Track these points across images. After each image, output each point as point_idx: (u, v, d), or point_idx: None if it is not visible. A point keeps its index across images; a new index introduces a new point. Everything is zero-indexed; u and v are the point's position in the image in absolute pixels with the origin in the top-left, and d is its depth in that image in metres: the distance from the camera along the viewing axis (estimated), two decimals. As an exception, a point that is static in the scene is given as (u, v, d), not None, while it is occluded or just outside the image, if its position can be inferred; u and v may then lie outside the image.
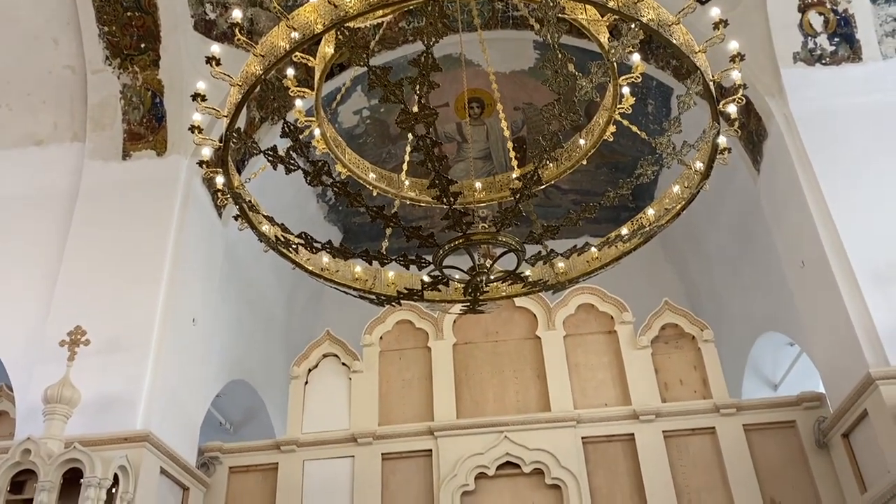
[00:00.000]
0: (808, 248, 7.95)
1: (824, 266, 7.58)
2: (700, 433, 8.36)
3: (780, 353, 10.19)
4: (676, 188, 4.89)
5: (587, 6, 4.05)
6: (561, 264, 5.07)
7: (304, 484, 8.46)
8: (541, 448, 8.30)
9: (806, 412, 8.25)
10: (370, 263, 4.62)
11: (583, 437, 8.40)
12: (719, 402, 8.42)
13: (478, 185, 5.41)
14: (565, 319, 9.26)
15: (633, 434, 8.38)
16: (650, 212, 4.96)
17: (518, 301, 9.02)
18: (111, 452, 6.77)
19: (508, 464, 8.33)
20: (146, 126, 8.89)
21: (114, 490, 6.72)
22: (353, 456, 8.57)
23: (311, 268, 4.94)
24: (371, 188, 5.49)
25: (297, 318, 12.33)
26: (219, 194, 4.48)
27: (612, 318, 9.22)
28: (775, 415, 8.36)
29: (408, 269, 4.64)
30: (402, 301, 5.01)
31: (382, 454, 8.54)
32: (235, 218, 4.79)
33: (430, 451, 8.49)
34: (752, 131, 8.78)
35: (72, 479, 6.54)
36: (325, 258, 4.96)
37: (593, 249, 4.91)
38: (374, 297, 5.00)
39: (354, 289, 5.02)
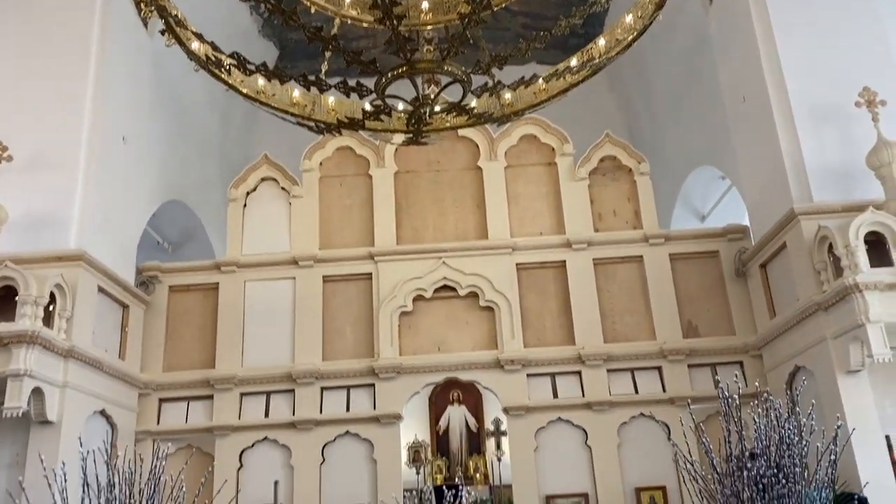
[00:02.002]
0: (750, 83, 7.97)
1: (764, 101, 7.64)
2: (628, 261, 8.76)
3: (711, 187, 10.53)
4: (629, 18, 4.73)
5: None
6: (507, 95, 4.95)
7: (246, 304, 8.64)
8: (477, 273, 8.60)
9: (729, 243, 8.69)
10: (308, 89, 4.40)
11: (517, 264, 8.72)
12: (649, 232, 8.77)
13: (425, 5, 5.10)
14: (507, 150, 9.25)
15: (564, 261, 8.72)
16: (601, 42, 4.82)
17: (461, 131, 8.91)
18: (46, 271, 6.70)
19: (445, 287, 8.64)
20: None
21: (51, 308, 6.73)
22: (294, 278, 8.72)
23: (245, 90, 4.69)
24: (309, 4, 5.13)
25: (232, 140, 11.97)
26: (142, 5, 4.12)
27: (553, 149, 9.26)
28: (700, 245, 8.79)
29: (348, 97, 4.46)
30: (342, 130, 4.86)
31: (324, 277, 8.71)
32: (162, 33, 4.44)
33: (371, 274, 8.70)
34: (710, -43, 8.45)
35: (7, 297, 6.50)
36: (261, 80, 4.71)
37: (541, 81, 4.79)
38: (313, 124, 4.83)
39: (292, 114, 4.83)
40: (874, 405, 6.35)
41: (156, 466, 1.93)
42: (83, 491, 1.90)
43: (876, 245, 6.44)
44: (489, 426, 11.49)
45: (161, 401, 8.35)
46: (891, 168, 6.65)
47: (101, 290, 7.48)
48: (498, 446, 11.01)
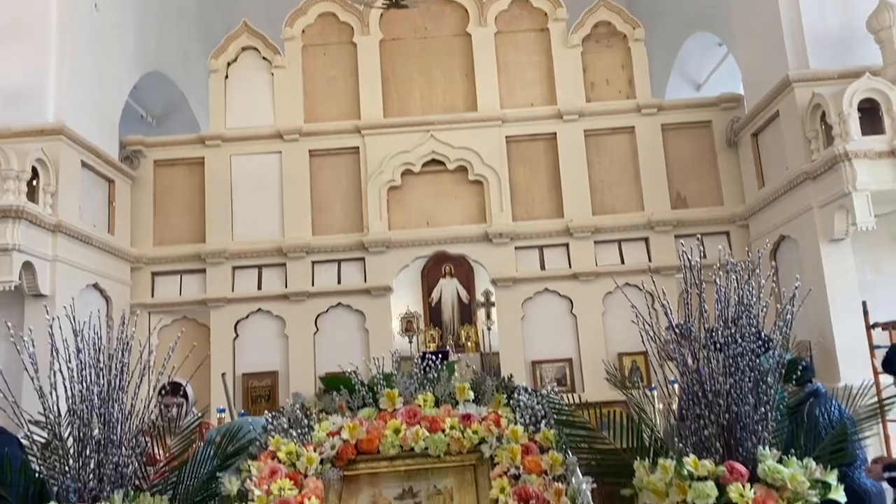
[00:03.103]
0: (754, -57, 7.56)
1: (765, -38, 7.28)
2: (620, 132, 8.64)
3: (707, 54, 10.22)
4: None
5: None
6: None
7: (233, 178, 8.58)
8: (466, 147, 8.49)
9: (723, 112, 8.54)
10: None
11: (507, 136, 8.59)
12: (642, 102, 8.58)
13: None
14: (497, 15, 8.89)
15: (555, 133, 8.59)
16: None
17: (449, -6, 8.55)
18: (26, 146, 6.60)
19: (434, 161, 8.56)
20: None
21: (35, 183, 6.68)
22: (279, 152, 8.61)
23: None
24: None
25: (210, 7, 11.46)
26: None
27: (545, 14, 8.89)
28: (693, 114, 8.63)
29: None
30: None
31: (310, 151, 8.60)
32: None
33: (358, 148, 8.59)
34: None
35: (-12, 174, 6.43)
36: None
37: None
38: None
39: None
40: (854, 272, 6.46)
41: (123, 331, 1.95)
42: (52, 355, 1.96)
43: (869, 113, 6.32)
44: (480, 298, 11.77)
45: (154, 274, 8.46)
46: (891, 32, 6.42)
47: (84, 164, 7.39)
48: (488, 316, 11.32)
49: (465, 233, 8.42)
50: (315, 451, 2.04)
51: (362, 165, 8.52)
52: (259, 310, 8.42)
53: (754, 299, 2.02)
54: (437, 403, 2.21)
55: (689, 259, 2.09)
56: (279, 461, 2.02)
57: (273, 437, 2.08)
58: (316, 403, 2.26)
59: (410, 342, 11.50)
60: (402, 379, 2.30)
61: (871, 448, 5.60)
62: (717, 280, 2.08)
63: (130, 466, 1.92)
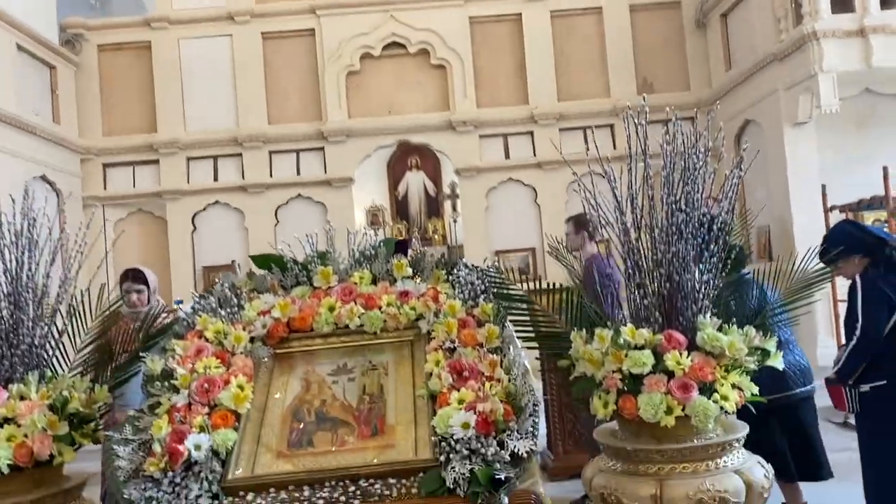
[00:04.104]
0: None
1: None
2: (587, 13, 8.29)
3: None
4: None
5: None
6: None
7: (182, 64, 8.16)
8: (428, 28, 8.11)
9: (693, -7, 8.23)
10: None
11: (470, 17, 8.21)
12: (610, -22, 8.22)
13: None
14: None
15: (520, 14, 8.23)
16: None
17: None
18: (-47, 27, 6.15)
19: (394, 44, 8.20)
20: None
21: (-34, 68, 6.28)
22: (230, 35, 8.16)
23: None
24: None
25: None
26: None
27: None
28: (664, -6, 8.30)
29: None
30: None
31: (262, 33, 8.17)
32: None
33: (313, 30, 8.17)
34: None
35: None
36: None
37: None
38: None
39: None
40: (816, 155, 6.43)
41: (25, 205, 1.81)
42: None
43: (842, -10, 6.10)
44: (446, 190, 11.63)
45: (105, 166, 8.16)
46: None
47: (20, 48, 6.94)
48: (454, 208, 11.22)
49: (429, 121, 8.20)
50: (244, 329, 1.96)
51: (319, 49, 8.13)
52: (217, 202, 8.22)
53: (700, 163, 1.92)
54: (374, 281, 2.12)
55: (637, 131, 1.97)
56: (207, 340, 1.93)
57: (200, 316, 1.99)
58: (247, 283, 2.16)
59: (376, 236, 11.41)
60: (337, 257, 2.20)
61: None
62: (663, 146, 1.98)
63: (46, 347, 1.83)
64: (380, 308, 2.01)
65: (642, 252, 1.85)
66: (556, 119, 8.15)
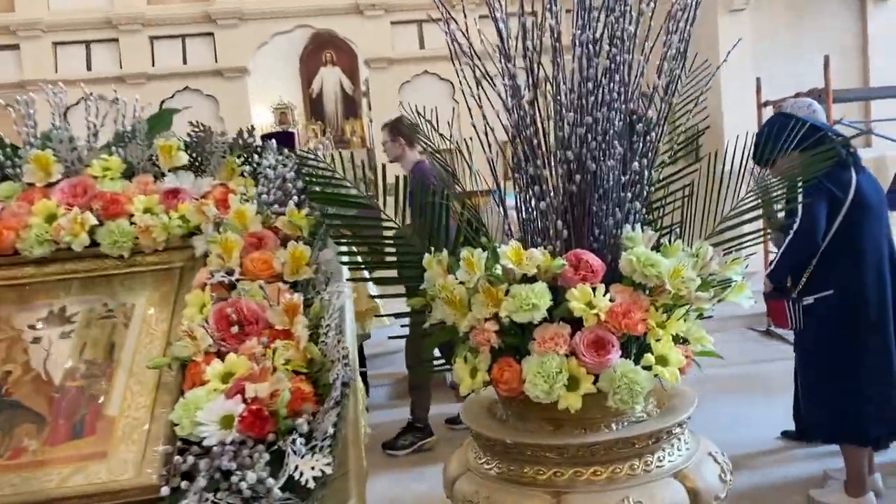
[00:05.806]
0: None
1: None
2: None
3: None
4: None
5: None
6: None
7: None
8: None
9: None
10: None
11: None
12: None
13: None
14: None
15: None
16: None
17: None
18: None
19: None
20: None
21: None
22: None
23: None
24: None
25: None
26: None
27: None
28: None
29: None
30: None
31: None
32: None
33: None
34: None
35: None
36: None
37: None
38: None
39: None
40: (750, 46, 5.84)
41: None
42: None
43: None
44: (364, 87, 10.68)
45: (-49, 51, 6.96)
46: None
47: None
48: (370, 107, 10.32)
49: (334, 4, 7.21)
50: None
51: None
52: (91, 94, 7.13)
53: (630, 27, 1.18)
54: (130, 176, 1.35)
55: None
56: None
57: None
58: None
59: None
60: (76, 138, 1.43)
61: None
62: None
63: None
64: (130, 217, 1.25)
65: (539, 124, 1.12)
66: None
